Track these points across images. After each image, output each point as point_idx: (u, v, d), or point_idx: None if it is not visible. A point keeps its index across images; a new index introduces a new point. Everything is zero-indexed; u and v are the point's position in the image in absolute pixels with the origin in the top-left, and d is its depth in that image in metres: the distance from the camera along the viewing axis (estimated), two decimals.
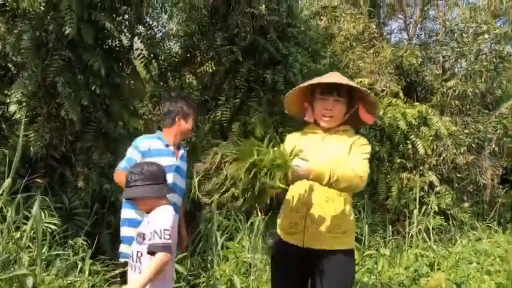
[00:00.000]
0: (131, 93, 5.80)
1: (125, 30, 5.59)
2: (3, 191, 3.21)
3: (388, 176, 6.74)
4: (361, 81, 6.83)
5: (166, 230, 2.32)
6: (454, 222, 6.84)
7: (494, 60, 6.78)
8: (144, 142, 3.48)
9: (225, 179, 2.02)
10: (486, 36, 6.79)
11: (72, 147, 5.01)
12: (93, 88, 4.87)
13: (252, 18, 5.42)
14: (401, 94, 6.89)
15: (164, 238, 2.30)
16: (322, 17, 6.92)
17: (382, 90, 7.18)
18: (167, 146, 3.51)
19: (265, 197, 2.06)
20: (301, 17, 6.32)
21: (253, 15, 5.40)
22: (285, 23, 5.73)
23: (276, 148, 2.06)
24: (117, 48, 5.62)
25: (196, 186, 2.23)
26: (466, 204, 7.38)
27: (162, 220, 2.36)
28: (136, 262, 2.40)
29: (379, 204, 6.78)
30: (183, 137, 3.72)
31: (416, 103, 7.10)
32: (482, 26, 6.77)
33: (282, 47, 5.52)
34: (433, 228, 5.47)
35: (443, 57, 7.58)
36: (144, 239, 2.38)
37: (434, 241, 4.78)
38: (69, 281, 3.03)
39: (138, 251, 2.40)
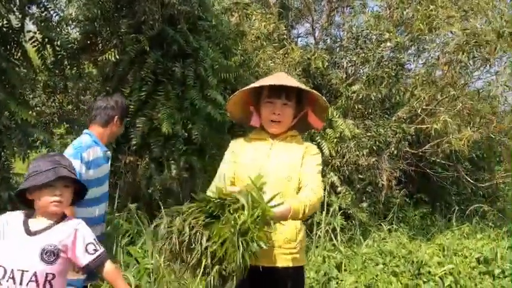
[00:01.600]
0: (20, 81, 5.17)
1: (15, 9, 4.96)
2: None
3: None
4: None
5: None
6: (353, 221, 7.08)
7: (395, 67, 7.11)
8: (87, 151, 2.81)
9: (202, 253, 1.69)
10: (388, 43, 7.11)
11: None
12: None
13: (161, 6, 5.08)
14: None
15: (100, 246, 2.01)
16: (233, 13, 6.76)
17: None
18: (105, 152, 2.97)
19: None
20: (212, 10, 6.10)
21: (163, 3, 5.06)
22: (196, 15, 5.47)
23: (250, 198, 1.81)
24: (5, 29, 4.98)
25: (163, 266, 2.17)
26: (365, 204, 7.68)
27: (88, 230, 2.02)
28: (44, 286, 1.90)
29: None
30: (108, 142, 3.12)
31: None
32: (385, 33, 7.08)
33: (192, 40, 5.26)
34: (335, 229, 5.56)
35: (348, 62, 7.82)
36: (57, 257, 1.92)
37: (341, 241, 4.85)
38: None
39: (48, 273, 1.90)
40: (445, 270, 3.47)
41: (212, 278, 1.70)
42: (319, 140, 6.96)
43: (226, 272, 1.71)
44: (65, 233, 1.95)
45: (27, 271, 1.88)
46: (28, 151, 5.05)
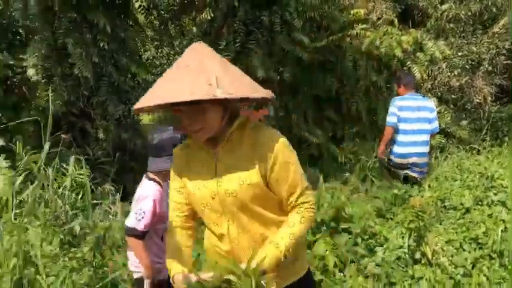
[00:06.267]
0: (135, 45, 6.11)
1: None
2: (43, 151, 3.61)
3: (387, 102, 7.08)
4: (356, 12, 6.99)
5: None
6: (453, 139, 7.25)
7: None
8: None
9: None
10: None
11: (89, 102, 5.42)
12: (101, 45, 5.19)
13: None
14: (396, 22, 7.05)
15: None
16: None
17: (378, 19, 7.35)
18: None
19: None
20: None
21: None
22: None
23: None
24: (118, 2, 5.84)
25: None
26: (465, 122, 7.74)
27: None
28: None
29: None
30: None
31: (411, 29, 7.26)
32: None
33: None
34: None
35: None
36: None
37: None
38: (107, 224, 3.48)
39: None
40: None
41: None
42: (410, 65, 7.09)
43: None
44: None
45: None
46: None
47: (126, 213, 4.27)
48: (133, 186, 2.88)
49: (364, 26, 6.77)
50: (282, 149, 1.63)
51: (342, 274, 2.87)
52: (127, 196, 4.72)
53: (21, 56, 5.04)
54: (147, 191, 2.26)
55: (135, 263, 2.31)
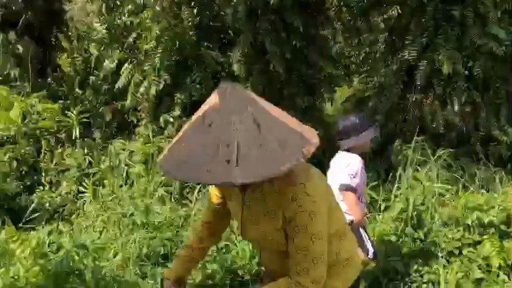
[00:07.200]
0: (326, 41, 6.58)
1: None
2: None
3: None
4: None
5: None
6: None
7: None
8: None
9: None
10: None
11: (280, 93, 6.10)
12: (293, 43, 5.79)
13: None
14: None
15: None
16: None
17: None
18: None
19: None
20: None
21: None
22: None
23: None
24: (312, 1, 6.34)
25: None
26: None
27: None
28: None
29: None
30: None
31: None
32: None
33: None
34: None
35: None
36: None
37: None
38: None
39: None
40: None
41: None
42: None
43: None
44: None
45: None
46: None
47: None
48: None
49: None
50: (303, 212, 1.44)
51: (506, 277, 2.87)
52: None
53: (228, 53, 5.94)
54: (351, 157, 2.89)
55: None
